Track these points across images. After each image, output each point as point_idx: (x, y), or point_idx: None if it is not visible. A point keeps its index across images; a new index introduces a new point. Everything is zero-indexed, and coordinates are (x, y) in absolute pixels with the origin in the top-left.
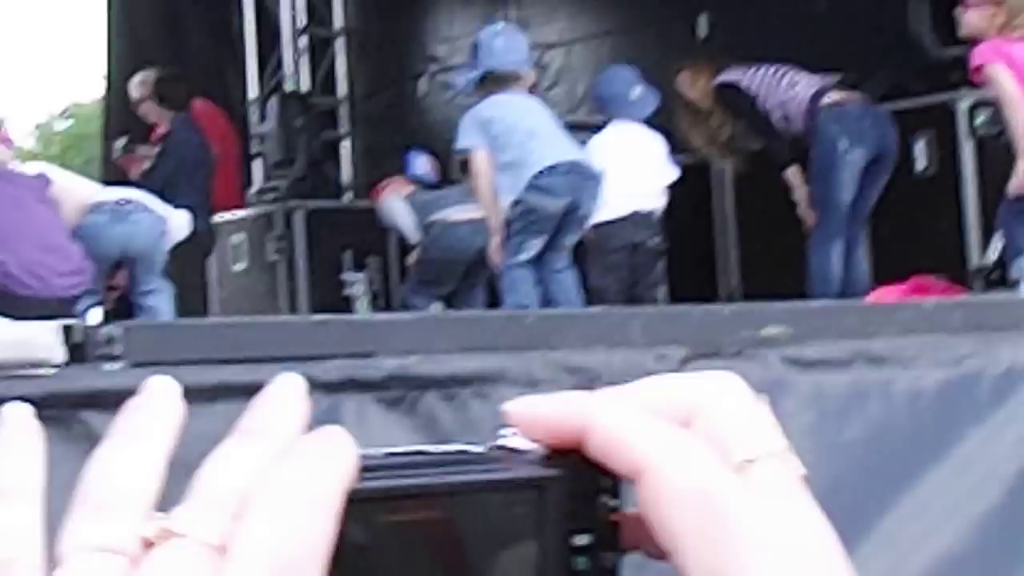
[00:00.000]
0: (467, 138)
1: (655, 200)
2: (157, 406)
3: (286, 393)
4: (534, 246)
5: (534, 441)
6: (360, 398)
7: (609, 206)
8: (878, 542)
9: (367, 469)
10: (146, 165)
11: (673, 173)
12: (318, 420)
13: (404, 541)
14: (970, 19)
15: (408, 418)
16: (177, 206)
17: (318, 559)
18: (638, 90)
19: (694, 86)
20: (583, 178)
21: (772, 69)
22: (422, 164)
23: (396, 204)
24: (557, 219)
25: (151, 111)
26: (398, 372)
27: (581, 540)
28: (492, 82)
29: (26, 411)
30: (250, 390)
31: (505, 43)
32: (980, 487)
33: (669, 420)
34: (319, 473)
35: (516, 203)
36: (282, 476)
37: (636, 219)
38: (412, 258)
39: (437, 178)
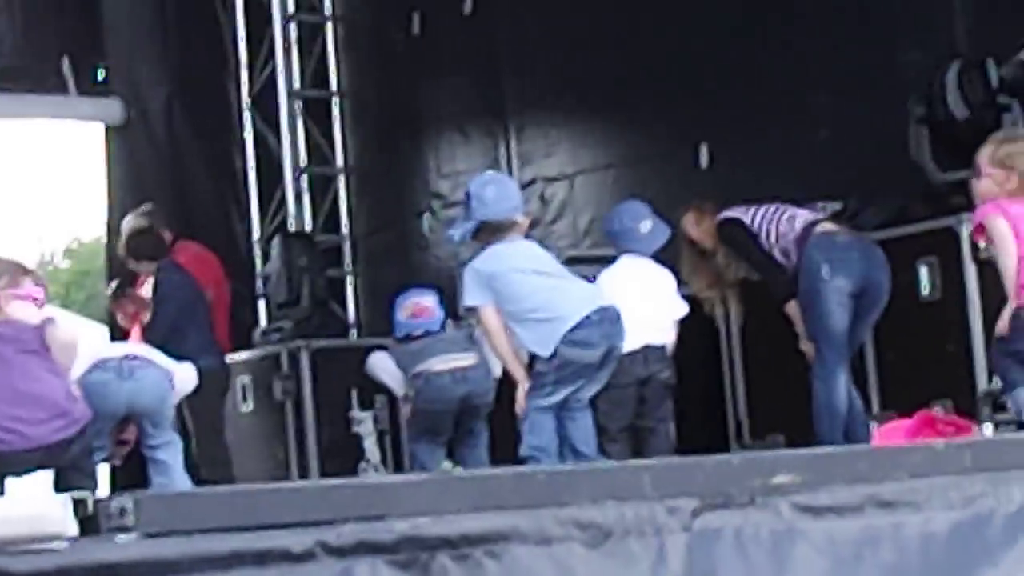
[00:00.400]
0: (472, 296)
1: (665, 335)
2: None
3: None
4: (564, 392)
5: None
6: (372, 561)
7: None
8: None
9: None
10: (144, 315)
11: (683, 308)
12: None
13: None
14: (982, 187)
15: None
16: (187, 351)
17: None
18: (649, 224)
19: (699, 226)
20: (612, 322)
21: (773, 207)
22: (403, 312)
23: (380, 361)
24: (595, 367)
25: (131, 265)
26: (409, 534)
27: None
28: (488, 231)
29: None
30: (263, 557)
31: (496, 192)
32: None
33: None
34: None
35: (551, 357)
36: None
37: (647, 353)
38: (406, 412)
39: (420, 320)
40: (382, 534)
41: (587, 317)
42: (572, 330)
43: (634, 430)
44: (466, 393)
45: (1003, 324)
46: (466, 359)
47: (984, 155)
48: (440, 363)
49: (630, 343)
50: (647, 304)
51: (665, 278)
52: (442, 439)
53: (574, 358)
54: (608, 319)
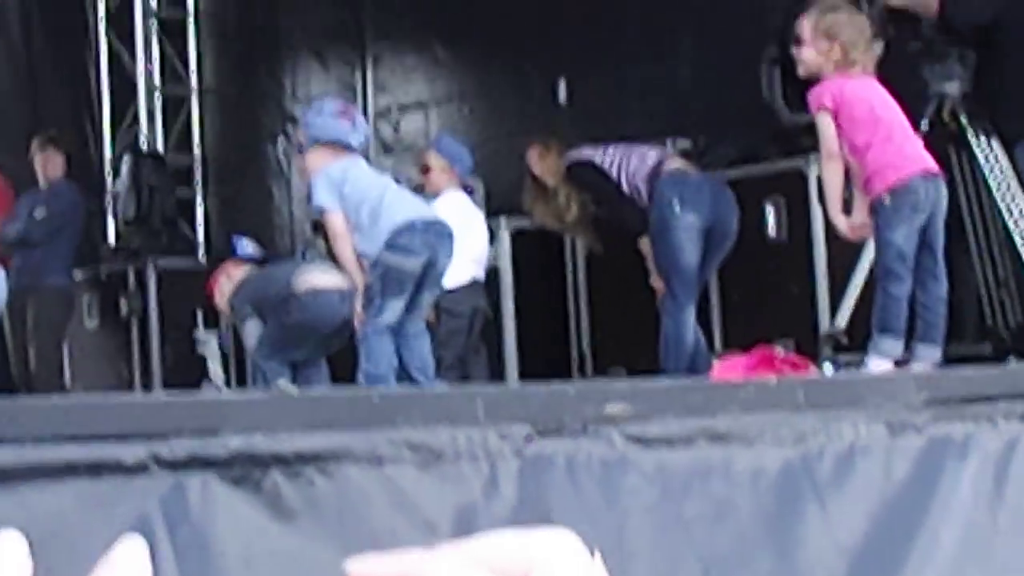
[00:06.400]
0: (321, 198)
1: (483, 268)
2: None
3: (128, 559)
4: (394, 308)
5: None
6: (205, 476)
7: (454, 272)
8: None
9: None
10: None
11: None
12: (163, 499)
13: None
14: (807, 56)
15: (253, 496)
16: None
17: None
18: (469, 161)
19: (542, 161)
20: (438, 236)
21: (623, 146)
22: (247, 245)
23: (252, 331)
24: (416, 278)
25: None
26: (243, 450)
27: None
28: (332, 150)
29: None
30: (96, 468)
31: (352, 124)
32: (820, 567)
33: None
34: None
35: (374, 264)
36: None
37: (475, 285)
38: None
39: (263, 255)
40: (215, 449)
41: (412, 223)
42: (395, 234)
43: (462, 362)
44: (348, 314)
45: (860, 217)
46: (344, 280)
47: (807, 25)
48: (323, 279)
49: (463, 275)
50: (472, 238)
51: (480, 214)
52: (298, 357)
53: (394, 264)
54: (435, 231)
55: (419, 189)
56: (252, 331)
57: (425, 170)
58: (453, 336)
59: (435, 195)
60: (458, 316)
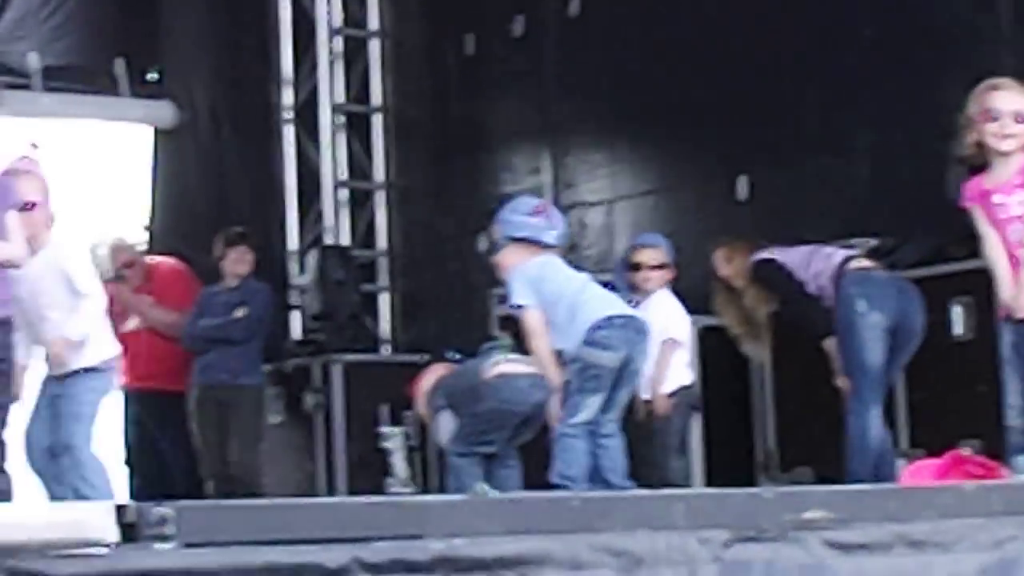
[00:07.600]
0: (519, 296)
1: None
2: None
3: None
4: (592, 406)
5: None
6: None
7: (688, 370)
8: None
9: None
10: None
11: None
12: None
13: None
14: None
15: None
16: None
17: None
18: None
19: (729, 263)
20: (637, 332)
21: (808, 247)
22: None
23: (445, 424)
24: (613, 375)
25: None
26: (444, 554)
27: None
28: (531, 244)
29: None
30: (297, 571)
31: (547, 221)
32: None
33: None
34: None
35: (572, 360)
36: None
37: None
38: (448, 425)
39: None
40: (417, 553)
41: (610, 318)
42: (593, 329)
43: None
44: (539, 400)
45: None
46: (534, 366)
47: None
48: (512, 366)
49: (687, 375)
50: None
51: None
52: (492, 448)
53: (593, 359)
54: (633, 327)
55: (606, 285)
56: (445, 424)
57: (660, 267)
58: (682, 432)
59: (649, 293)
60: (694, 412)
